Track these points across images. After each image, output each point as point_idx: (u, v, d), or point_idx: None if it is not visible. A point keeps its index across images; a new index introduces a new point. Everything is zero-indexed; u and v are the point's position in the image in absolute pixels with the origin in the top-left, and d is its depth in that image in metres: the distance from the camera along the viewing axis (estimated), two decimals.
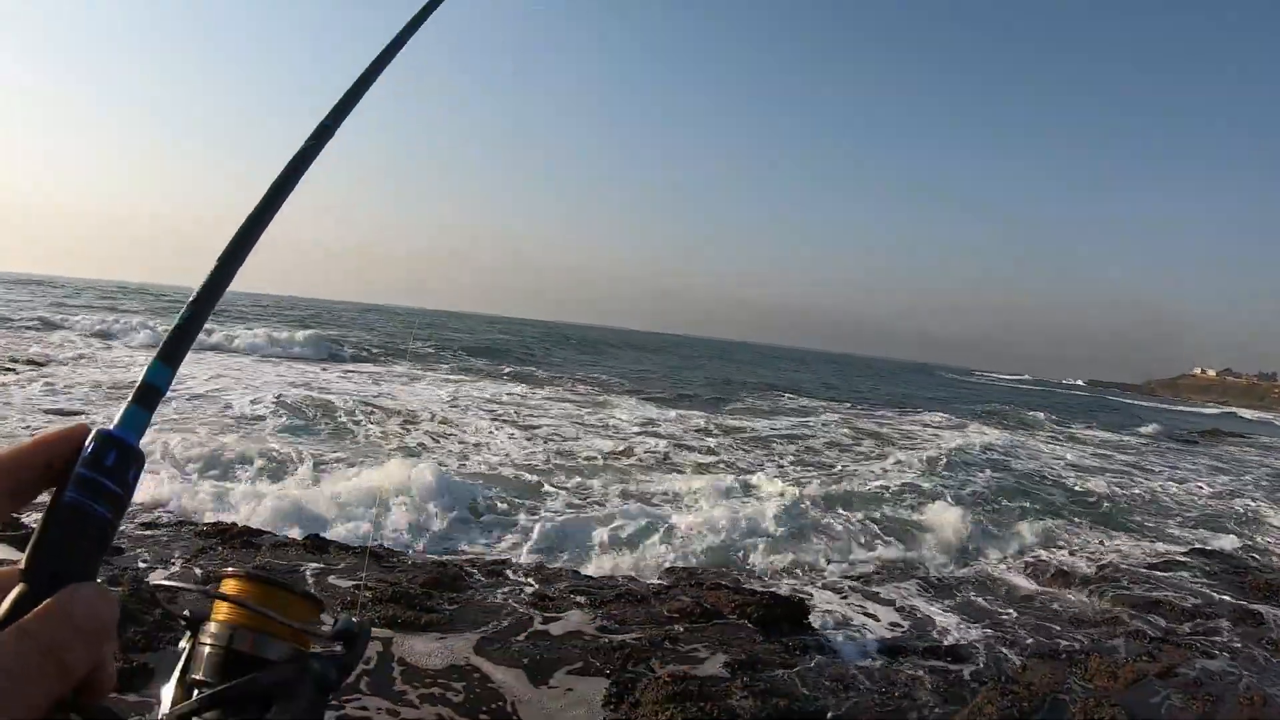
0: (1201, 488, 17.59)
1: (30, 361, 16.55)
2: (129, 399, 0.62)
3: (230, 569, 0.71)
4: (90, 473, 0.56)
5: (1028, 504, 12.77)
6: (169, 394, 0.67)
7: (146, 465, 0.62)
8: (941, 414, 30.63)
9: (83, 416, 11.28)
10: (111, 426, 0.59)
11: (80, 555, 0.54)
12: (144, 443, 0.61)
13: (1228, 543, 11.54)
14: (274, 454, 10.00)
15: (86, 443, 0.58)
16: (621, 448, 13.91)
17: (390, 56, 1.25)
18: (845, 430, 20.41)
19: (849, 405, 30.87)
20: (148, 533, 6.61)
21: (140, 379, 0.63)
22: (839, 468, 14.79)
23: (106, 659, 0.53)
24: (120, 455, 0.58)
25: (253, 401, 13.98)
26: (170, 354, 0.66)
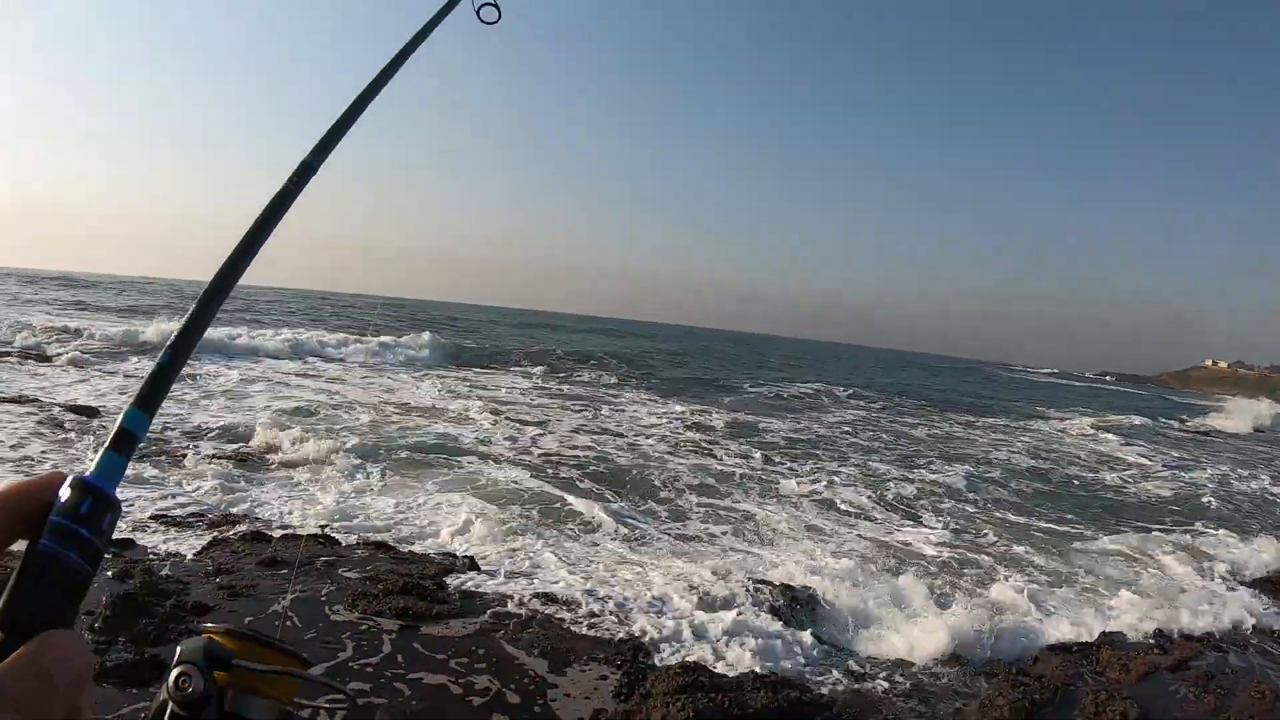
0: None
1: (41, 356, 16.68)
2: (104, 444, 0.61)
3: (210, 625, 0.70)
4: (65, 521, 0.56)
5: None
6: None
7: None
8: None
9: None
10: (88, 473, 0.59)
11: (55, 603, 0.54)
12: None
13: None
14: None
15: (62, 490, 0.57)
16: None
17: (376, 90, 1.17)
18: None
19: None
20: (159, 526, 6.65)
21: (116, 425, 0.63)
22: None
23: (82, 707, 0.53)
24: (95, 503, 0.57)
25: None
26: (147, 400, 0.66)
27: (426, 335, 29.18)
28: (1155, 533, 11.11)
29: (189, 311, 0.74)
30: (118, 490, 0.60)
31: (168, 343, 0.71)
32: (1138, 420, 33.26)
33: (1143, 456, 20.41)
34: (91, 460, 0.61)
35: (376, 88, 1.17)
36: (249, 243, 0.84)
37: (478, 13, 1.53)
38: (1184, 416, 39.29)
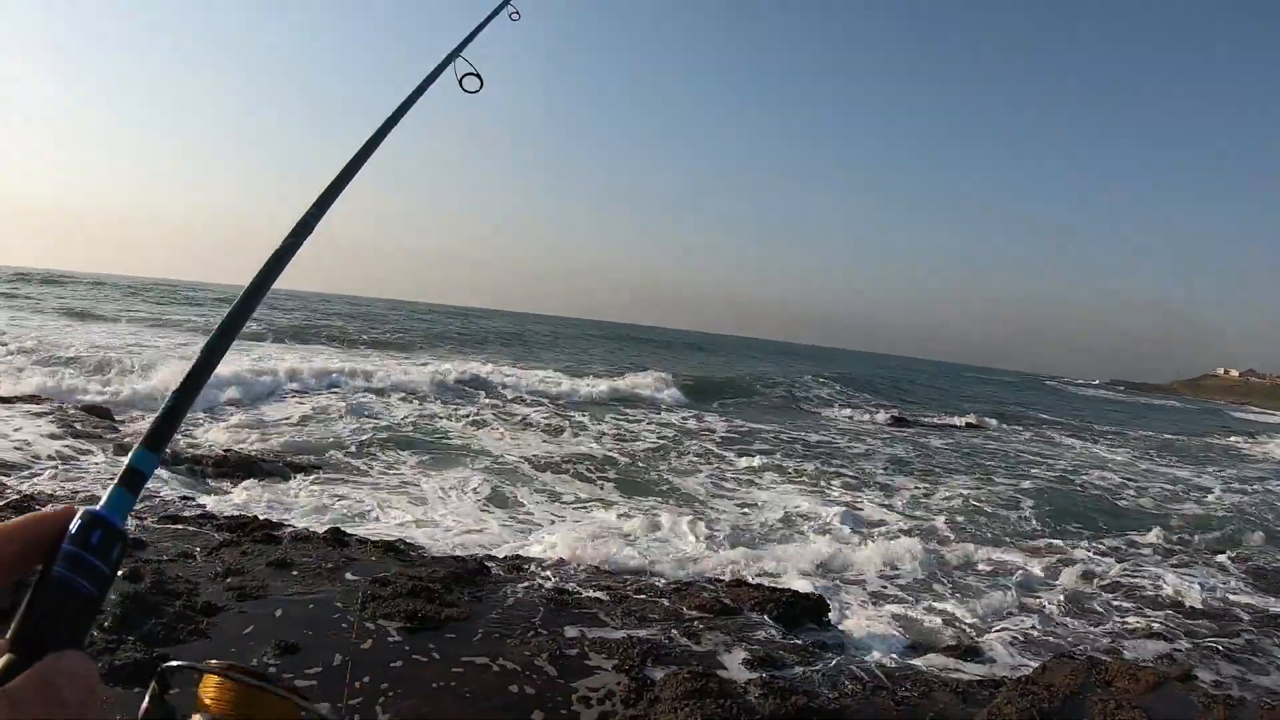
0: None
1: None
2: (115, 481, 0.66)
3: (215, 664, 0.71)
4: (76, 549, 0.60)
5: None
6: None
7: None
8: None
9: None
10: (98, 507, 0.63)
11: (65, 626, 0.57)
12: None
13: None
14: None
15: (74, 522, 0.61)
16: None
17: (369, 153, 1.25)
18: None
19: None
20: (170, 527, 6.69)
21: (126, 463, 0.68)
22: None
23: None
24: (105, 534, 0.61)
25: None
26: (155, 440, 0.71)
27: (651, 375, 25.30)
28: None
29: (195, 359, 0.79)
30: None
31: (174, 387, 0.76)
32: None
33: None
34: (103, 494, 0.66)
35: (368, 151, 1.25)
36: (252, 293, 0.90)
37: (460, 82, 1.66)
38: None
